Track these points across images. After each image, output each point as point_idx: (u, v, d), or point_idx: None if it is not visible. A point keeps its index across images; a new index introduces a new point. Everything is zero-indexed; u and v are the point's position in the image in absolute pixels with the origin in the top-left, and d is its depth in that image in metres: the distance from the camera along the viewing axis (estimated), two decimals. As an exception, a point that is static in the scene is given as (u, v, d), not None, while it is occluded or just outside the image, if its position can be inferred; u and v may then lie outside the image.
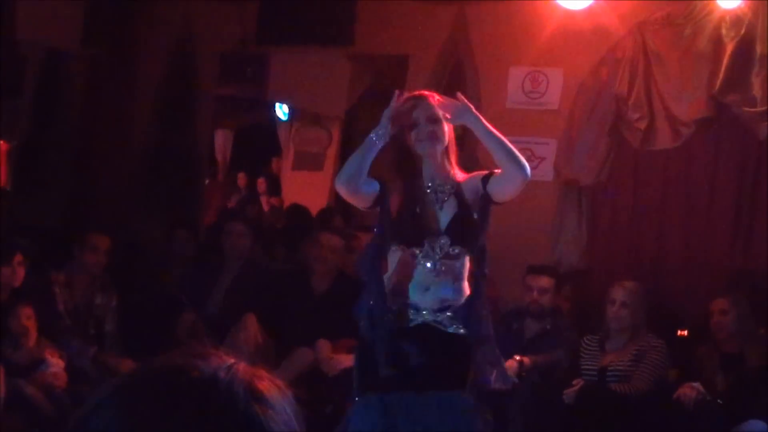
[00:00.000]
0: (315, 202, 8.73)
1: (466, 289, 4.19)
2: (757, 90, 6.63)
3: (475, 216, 4.15)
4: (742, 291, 6.42)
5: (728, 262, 6.90)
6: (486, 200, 4.14)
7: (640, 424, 5.88)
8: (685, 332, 6.76)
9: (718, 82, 6.71)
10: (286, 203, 10.01)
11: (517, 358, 6.07)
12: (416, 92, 4.34)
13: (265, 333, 6.66)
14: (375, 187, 4.12)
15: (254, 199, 12.10)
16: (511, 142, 7.33)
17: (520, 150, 7.30)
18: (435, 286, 4.15)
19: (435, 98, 4.22)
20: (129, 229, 7.98)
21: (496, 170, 4.11)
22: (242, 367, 1.07)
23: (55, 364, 6.01)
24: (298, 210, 8.65)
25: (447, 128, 4.17)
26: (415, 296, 4.17)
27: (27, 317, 5.99)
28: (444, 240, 4.13)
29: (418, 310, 4.15)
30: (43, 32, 8.13)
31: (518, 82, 7.43)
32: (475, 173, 4.23)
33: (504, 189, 4.12)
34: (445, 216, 4.16)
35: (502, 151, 4.06)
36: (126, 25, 8.39)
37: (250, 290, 7.00)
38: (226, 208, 11.23)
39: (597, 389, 5.99)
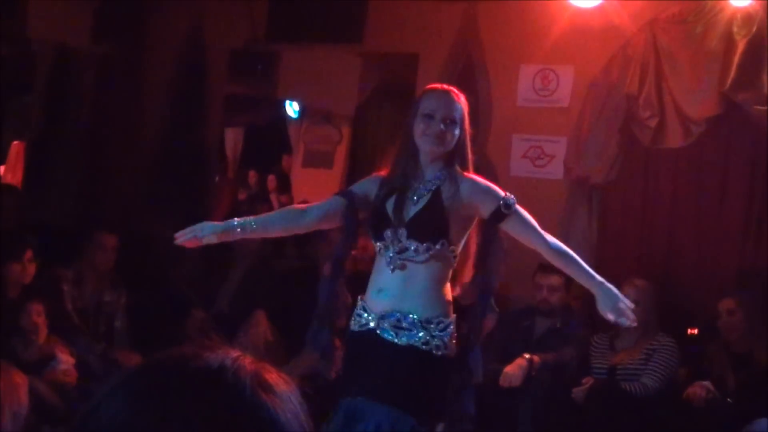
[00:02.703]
0: (325, 199, 8.72)
1: (435, 303, 3.89)
2: (768, 88, 6.62)
3: (449, 218, 3.89)
4: (751, 290, 6.40)
5: (739, 261, 6.89)
6: (490, 225, 3.96)
7: (650, 423, 5.87)
8: (696, 331, 6.74)
9: (729, 80, 6.68)
10: (296, 200, 10.01)
11: (527, 356, 6.06)
12: (446, 86, 4.09)
13: (274, 330, 6.67)
14: (335, 205, 4.06)
15: (264, 197, 12.09)
16: (521, 139, 7.41)
17: (529, 148, 7.38)
18: (387, 288, 3.92)
19: (462, 98, 3.99)
20: (139, 226, 8.00)
21: (511, 200, 3.91)
22: (249, 359, 1.08)
23: (65, 360, 6.03)
24: (307, 208, 8.64)
25: (457, 133, 3.93)
26: (370, 298, 3.98)
27: (37, 314, 6.01)
28: (401, 231, 3.88)
29: (369, 313, 3.95)
30: (53, 29, 8.15)
31: (529, 79, 7.42)
32: (488, 184, 3.97)
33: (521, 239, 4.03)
34: (413, 209, 3.92)
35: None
36: (136, 22, 8.40)
37: (259, 288, 7.01)
38: (235, 206, 11.22)
39: (607, 388, 5.98)
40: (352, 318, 4.05)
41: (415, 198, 3.93)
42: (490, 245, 3.97)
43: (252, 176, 12.96)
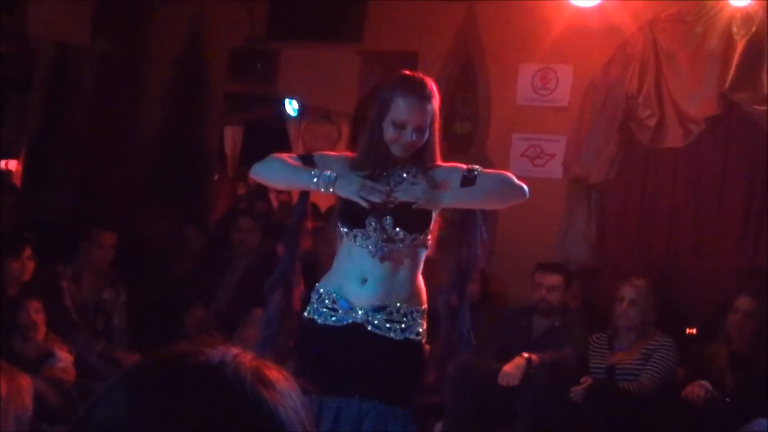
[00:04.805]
0: (324, 198, 8.73)
1: (417, 291, 3.82)
2: (767, 88, 6.61)
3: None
4: (763, 290, 6.38)
5: (738, 260, 6.89)
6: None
7: (648, 423, 5.87)
8: (694, 331, 6.74)
9: (729, 80, 6.69)
10: (295, 199, 10.01)
11: (525, 355, 6.06)
12: (419, 82, 3.83)
13: (273, 328, 6.66)
14: None
15: (263, 195, 12.09)
16: (520, 138, 7.42)
17: (528, 147, 7.38)
18: (373, 279, 3.78)
19: (435, 98, 3.82)
20: (138, 224, 8.00)
21: (477, 167, 3.77)
22: (249, 356, 1.08)
23: (64, 358, 6.02)
24: (306, 206, 8.64)
25: (427, 135, 3.77)
26: (350, 290, 3.80)
27: (36, 311, 6.01)
28: (388, 220, 3.74)
29: (352, 307, 3.79)
30: (53, 27, 8.15)
31: (528, 79, 7.43)
32: (454, 164, 3.84)
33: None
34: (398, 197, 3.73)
35: (499, 201, 3.87)
36: (136, 19, 8.40)
37: (258, 286, 7.00)
38: (234, 204, 11.22)
39: (605, 387, 5.97)
40: (317, 310, 3.88)
41: (392, 184, 3.79)
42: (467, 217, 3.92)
43: (251, 174, 12.95)
